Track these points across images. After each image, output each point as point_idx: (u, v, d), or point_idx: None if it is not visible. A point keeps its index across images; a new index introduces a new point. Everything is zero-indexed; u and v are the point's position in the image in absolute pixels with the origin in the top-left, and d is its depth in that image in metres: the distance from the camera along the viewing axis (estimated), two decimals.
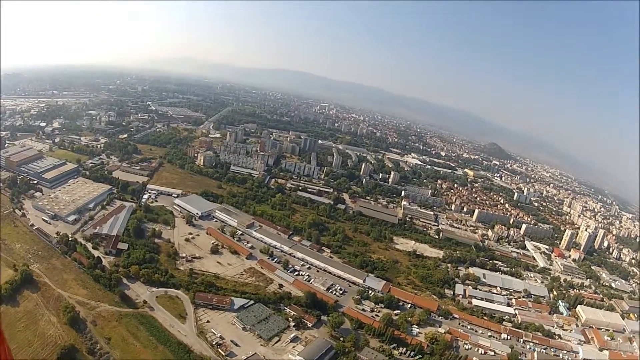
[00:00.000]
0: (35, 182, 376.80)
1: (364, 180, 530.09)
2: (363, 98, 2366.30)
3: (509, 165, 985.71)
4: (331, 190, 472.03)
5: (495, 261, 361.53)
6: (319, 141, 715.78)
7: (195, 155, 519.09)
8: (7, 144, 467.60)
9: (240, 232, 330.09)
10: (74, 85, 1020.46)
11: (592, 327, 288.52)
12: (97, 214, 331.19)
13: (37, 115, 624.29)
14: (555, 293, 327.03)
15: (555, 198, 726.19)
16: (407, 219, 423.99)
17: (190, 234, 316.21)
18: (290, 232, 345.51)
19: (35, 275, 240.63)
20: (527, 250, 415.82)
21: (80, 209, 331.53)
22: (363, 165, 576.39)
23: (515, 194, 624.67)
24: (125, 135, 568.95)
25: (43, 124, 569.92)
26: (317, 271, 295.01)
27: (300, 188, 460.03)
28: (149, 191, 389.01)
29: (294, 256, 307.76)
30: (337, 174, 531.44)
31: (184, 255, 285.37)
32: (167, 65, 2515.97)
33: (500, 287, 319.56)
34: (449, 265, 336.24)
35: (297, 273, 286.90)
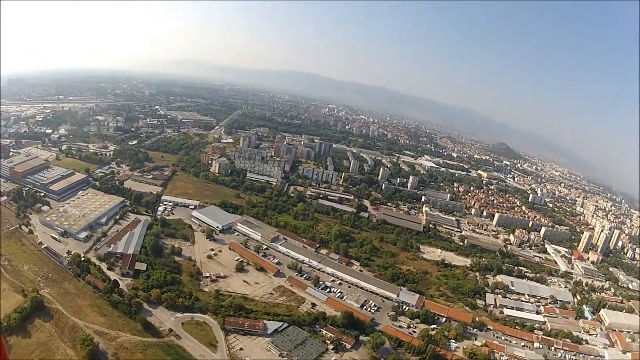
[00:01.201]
0: (42, 194, 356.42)
1: (383, 185, 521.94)
2: (370, 98, 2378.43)
3: (519, 165, 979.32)
4: (352, 197, 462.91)
5: (520, 267, 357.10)
6: (333, 145, 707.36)
7: (210, 162, 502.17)
8: (11, 153, 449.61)
9: (264, 247, 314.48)
10: (79, 90, 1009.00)
11: (615, 330, 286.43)
12: (110, 229, 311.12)
13: (42, 121, 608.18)
14: (578, 297, 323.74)
15: (568, 198, 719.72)
16: (431, 226, 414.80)
17: (212, 249, 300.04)
18: (317, 245, 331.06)
19: (46, 302, 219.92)
20: (548, 254, 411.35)
21: (92, 224, 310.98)
22: (381, 170, 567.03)
23: (530, 195, 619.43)
24: (135, 142, 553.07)
25: (49, 131, 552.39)
26: (349, 287, 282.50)
27: (320, 196, 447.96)
28: (164, 203, 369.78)
29: (324, 271, 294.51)
30: (356, 179, 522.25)
31: (207, 274, 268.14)
32: (172, 67, 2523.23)
33: (528, 295, 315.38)
34: (477, 274, 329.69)
35: (328, 290, 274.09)
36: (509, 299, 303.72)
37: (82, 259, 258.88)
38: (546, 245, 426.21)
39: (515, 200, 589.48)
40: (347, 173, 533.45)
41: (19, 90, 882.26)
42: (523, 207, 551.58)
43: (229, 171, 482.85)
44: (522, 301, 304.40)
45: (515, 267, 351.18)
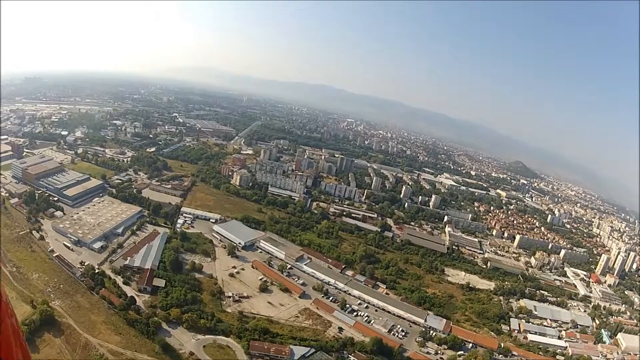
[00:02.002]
0: (55, 199, 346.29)
1: (406, 204, 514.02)
2: (386, 112, 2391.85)
3: (535, 185, 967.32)
4: (375, 215, 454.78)
5: (542, 291, 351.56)
6: (354, 160, 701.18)
7: (230, 173, 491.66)
8: (25, 153, 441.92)
9: (289, 266, 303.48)
10: (96, 93, 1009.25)
11: (630, 354, 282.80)
12: (127, 240, 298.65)
13: (58, 122, 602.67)
14: (597, 322, 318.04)
15: (584, 219, 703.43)
16: (454, 247, 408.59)
17: (234, 267, 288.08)
18: (343, 266, 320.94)
19: (57, 315, 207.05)
20: (568, 277, 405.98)
21: (107, 234, 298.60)
22: (403, 188, 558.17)
23: (549, 216, 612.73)
24: (153, 149, 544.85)
25: (64, 133, 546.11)
26: (376, 310, 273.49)
27: (344, 213, 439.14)
28: (184, 215, 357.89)
29: (350, 294, 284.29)
30: (378, 196, 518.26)
31: (230, 294, 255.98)
32: (188, 74, 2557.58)
33: (550, 319, 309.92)
34: (501, 298, 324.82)
35: (355, 314, 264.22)
36: (532, 323, 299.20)
37: (97, 271, 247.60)
38: (566, 268, 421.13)
39: (535, 221, 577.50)
40: (369, 190, 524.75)
41: (35, 89, 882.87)
42: (542, 229, 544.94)
43: (250, 184, 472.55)
44: (545, 326, 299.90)
45: (538, 291, 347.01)
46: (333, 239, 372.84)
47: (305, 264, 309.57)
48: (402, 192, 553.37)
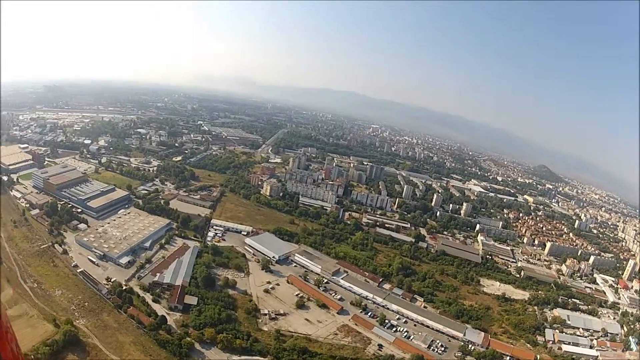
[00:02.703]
0: (79, 210, 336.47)
1: (438, 213, 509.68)
2: (409, 117, 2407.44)
3: (561, 189, 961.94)
4: (408, 225, 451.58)
5: (574, 299, 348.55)
6: (384, 168, 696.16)
7: (260, 183, 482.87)
8: (46, 162, 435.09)
9: (325, 280, 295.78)
10: (119, 101, 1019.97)
11: None
12: (155, 255, 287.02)
13: (81, 131, 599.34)
14: (625, 329, 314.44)
15: (609, 223, 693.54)
16: (488, 257, 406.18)
17: (269, 282, 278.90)
18: (381, 279, 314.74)
19: (82, 335, 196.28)
20: (597, 284, 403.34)
21: (135, 248, 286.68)
22: (434, 196, 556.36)
23: (576, 221, 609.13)
24: (180, 158, 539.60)
25: (88, 141, 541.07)
26: (415, 325, 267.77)
27: (377, 224, 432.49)
28: (215, 227, 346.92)
29: (388, 308, 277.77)
30: (410, 205, 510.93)
31: (266, 311, 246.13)
32: (211, 83, 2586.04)
33: (582, 329, 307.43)
34: (535, 308, 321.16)
35: (395, 329, 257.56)
36: (566, 333, 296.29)
37: (124, 288, 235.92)
38: (595, 275, 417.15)
39: (563, 226, 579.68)
40: (400, 199, 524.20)
41: (56, 97, 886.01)
42: (571, 235, 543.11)
43: (281, 194, 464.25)
44: (578, 335, 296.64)
45: (570, 300, 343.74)
46: (368, 250, 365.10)
47: (342, 278, 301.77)
48: (434, 200, 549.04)
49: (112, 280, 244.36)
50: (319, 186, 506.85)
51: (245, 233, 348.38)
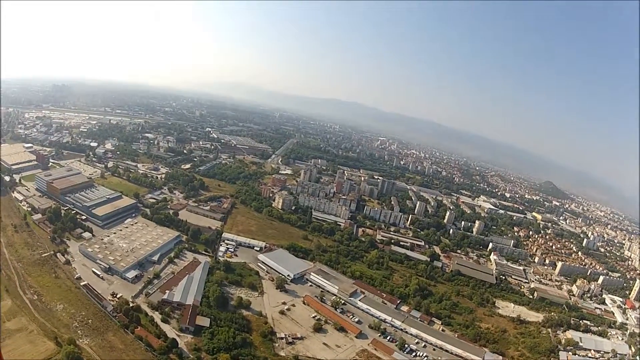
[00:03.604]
0: (83, 217, 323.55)
1: (451, 230, 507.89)
2: (416, 131, 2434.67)
3: (567, 206, 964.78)
4: (422, 243, 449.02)
5: (584, 321, 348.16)
6: (395, 183, 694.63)
7: (271, 195, 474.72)
8: (50, 163, 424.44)
9: (342, 301, 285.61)
10: (127, 104, 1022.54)
11: None
12: (164, 269, 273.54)
13: (87, 133, 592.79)
14: (633, 349, 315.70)
15: (616, 241, 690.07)
16: (502, 277, 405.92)
17: (284, 303, 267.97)
18: (399, 301, 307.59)
19: (85, 355, 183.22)
20: (606, 304, 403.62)
21: (142, 261, 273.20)
22: (447, 213, 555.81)
23: (584, 240, 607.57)
24: (189, 166, 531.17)
25: (94, 144, 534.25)
26: (434, 349, 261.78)
27: (392, 241, 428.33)
28: (226, 241, 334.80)
29: (407, 332, 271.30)
30: (423, 222, 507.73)
31: (282, 335, 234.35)
32: (219, 89, 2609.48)
33: (594, 350, 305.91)
34: (549, 330, 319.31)
35: (414, 354, 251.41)
36: (579, 355, 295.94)
37: (131, 306, 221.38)
38: (604, 295, 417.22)
39: (572, 245, 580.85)
40: (413, 215, 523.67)
41: (63, 97, 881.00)
42: (579, 253, 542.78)
43: (293, 207, 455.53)
44: (590, 357, 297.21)
45: (581, 321, 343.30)
46: (384, 269, 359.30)
47: (359, 300, 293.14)
48: (446, 217, 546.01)
49: (118, 296, 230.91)
50: (332, 200, 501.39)
51: (257, 249, 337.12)
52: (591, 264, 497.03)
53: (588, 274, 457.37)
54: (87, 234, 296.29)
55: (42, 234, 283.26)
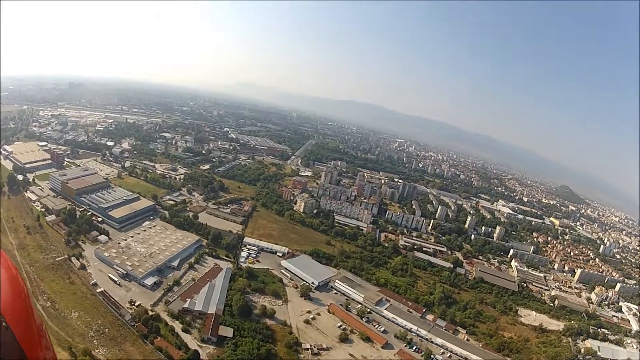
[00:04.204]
0: (99, 219, 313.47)
1: (472, 236, 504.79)
2: (431, 133, 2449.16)
3: (583, 211, 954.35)
4: (445, 249, 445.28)
5: (602, 329, 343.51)
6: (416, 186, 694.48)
7: (292, 198, 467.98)
8: (65, 163, 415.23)
9: (368, 310, 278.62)
10: (144, 103, 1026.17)
11: None
12: (184, 276, 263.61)
13: (103, 131, 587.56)
14: None
15: (630, 247, 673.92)
16: (523, 284, 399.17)
17: (309, 312, 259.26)
18: (424, 310, 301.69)
19: None
20: (623, 312, 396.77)
21: (161, 267, 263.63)
22: (468, 218, 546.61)
23: (601, 246, 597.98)
24: (207, 167, 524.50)
25: (110, 143, 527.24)
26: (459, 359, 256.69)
27: (415, 247, 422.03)
28: (247, 246, 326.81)
29: (433, 342, 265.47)
30: (445, 227, 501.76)
31: (308, 345, 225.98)
32: (235, 89, 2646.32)
33: (610, 359, 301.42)
34: (569, 339, 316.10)
35: None
36: None
37: (150, 314, 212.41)
38: (621, 303, 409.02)
39: (589, 251, 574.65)
40: (434, 220, 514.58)
41: (79, 94, 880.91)
42: (597, 260, 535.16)
43: (315, 211, 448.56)
44: None
45: (599, 330, 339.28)
46: (408, 276, 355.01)
47: (385, 308, 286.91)
48: (467, 222, 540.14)
49: (136, 304, 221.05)
50: (353, 204, 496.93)
51: (280, 254, 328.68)
52: (608, 270, 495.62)
53: (605, 281, 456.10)
54: (103, 237, 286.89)
55: (56, 237, 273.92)
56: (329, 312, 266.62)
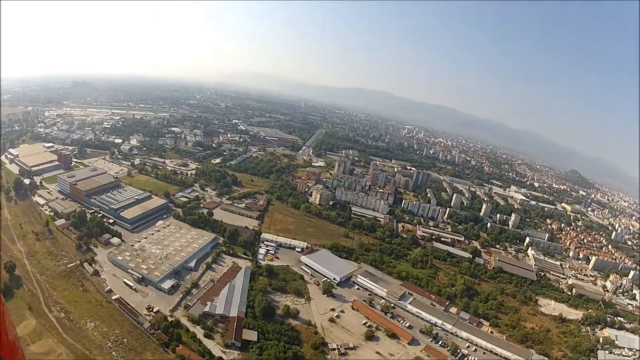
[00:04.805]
0: (110, 221, 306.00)
1: (489, 224, 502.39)
2: (441, 119, 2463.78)
3: (593, 196, 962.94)
4: (462, 238, 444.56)
5: (619, 318, 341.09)
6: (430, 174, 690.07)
7: (307, 189, 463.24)
8: (73, 163, 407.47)
9: (392, 305, 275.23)
10: (150, 98, 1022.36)
11: None
12: (202, 277, 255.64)
13: (110, 129, 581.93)
14: None
15: None
16: (541, 273, 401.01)
17: (333, 309, 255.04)
18: (447, 303, 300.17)
19: None
20: (637, 300, 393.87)
21: (178, 269, 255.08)
22: (483, 206, 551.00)
23: (613, 232, 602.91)
24: (219, 160, 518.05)
25: (118, 141, 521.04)
26: (484, 353, 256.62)
27: (433, 237, 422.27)
28: (265, 242, 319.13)
29: (458, 335, 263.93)
30: (460, 216, 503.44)
31: (334, 345, 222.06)
32: (241, 79, 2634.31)
33: (627, 348, 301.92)
34: (588, 328, 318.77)
35: (466, 359, 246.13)
36: (614, 354, 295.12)
37: (170, 321, 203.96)
38: (635, 291, 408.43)
39: (601, 238, 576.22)
40: (450, 208, 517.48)
41: (85, 93, 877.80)
42: (609, 247, 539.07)
43: (331, 202, 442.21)
44: (624, 356, 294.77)
45: (616, 318, 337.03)
46: (428, 268, 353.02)
47: (409, 303, 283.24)
48: (482, 210, 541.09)
49: (154, 310, 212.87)
50: (368, 194, 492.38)
51: (299, 250, 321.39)
52: (621, 258, 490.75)
53: (619, 268, 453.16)
54: (115, 240, 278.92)
55: (66, 242, 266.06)
56: (352, 308, 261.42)
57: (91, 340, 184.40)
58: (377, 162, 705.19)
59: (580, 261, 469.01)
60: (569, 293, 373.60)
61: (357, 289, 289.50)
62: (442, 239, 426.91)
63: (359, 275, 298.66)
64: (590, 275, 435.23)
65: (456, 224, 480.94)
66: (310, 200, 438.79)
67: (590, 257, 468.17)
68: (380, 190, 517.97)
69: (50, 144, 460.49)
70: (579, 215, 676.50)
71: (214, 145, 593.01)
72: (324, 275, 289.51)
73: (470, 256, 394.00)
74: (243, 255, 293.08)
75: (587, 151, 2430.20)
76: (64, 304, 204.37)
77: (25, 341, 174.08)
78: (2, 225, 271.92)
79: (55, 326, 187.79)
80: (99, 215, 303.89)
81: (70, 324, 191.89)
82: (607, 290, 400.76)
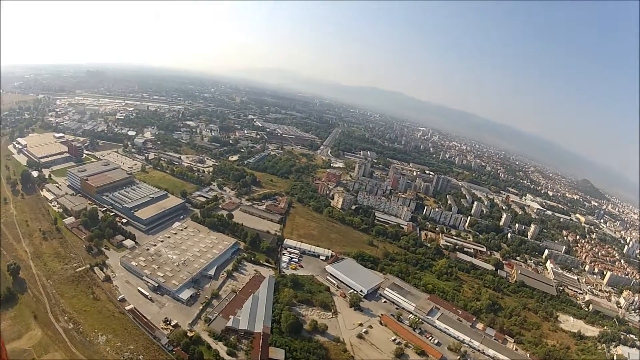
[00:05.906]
0: (124, 221, 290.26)
1: (509, 235, 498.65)
2: (454, 122, 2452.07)
3: (605, 207, 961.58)
4: (484, 249, 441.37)
5: (631, 335, 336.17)
6: (450, 180, 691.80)
7: (328, 192, 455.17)
8: (84, 155, 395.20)
9: (420, 320, 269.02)
10: (164, 90, 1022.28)
11: None
12: (223, 286, 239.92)
13: (124, 120, 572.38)
14: None
15: None
16: (560, 288, 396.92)
17: (361, 324, 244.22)
18: (474, 319, 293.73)
19: None
20: None
21: (197, 277, 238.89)
22: (503, 215, 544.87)
23: (625, 246, 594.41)
24: (236, 158, 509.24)
25: (132, 133, 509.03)
26: None
27: (457, 247, 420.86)
28: (289, 249, 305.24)
29: (485, 353, 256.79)
30: (482, 225, 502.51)
31: None
32: (256, 74, 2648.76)
33: None
34: (604, 345, 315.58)
35: None
36: None
37: (190, 336, 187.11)
38: None
39: (614, 252, 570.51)
40: (471, 217, 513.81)
41: (98, 82, 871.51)
42: (622, 261, 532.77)
43: (353, 207, 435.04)
44: None
45: (629, 336, 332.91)
46: (453, 280, 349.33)
47: (437, 318, 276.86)
48: (502, 220, 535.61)
49: (172, 323, 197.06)
50: (390, 199, 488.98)
51: (323, 258, 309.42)
52: (633, 273, 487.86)
53: (631, 284, 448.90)
54: (129, 242, 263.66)
55: (75, 242, 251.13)
56: (380, 323, 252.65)
57: (103, 356, 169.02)
58: (396, 165, 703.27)
59: (595, 276, 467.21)
60: (587, 309, 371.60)
61: (384, 302, 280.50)
62: (465, 249, 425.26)
63: (386, 288, 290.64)
64: (605, 291, 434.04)
65: (477, 233, 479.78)
66: (332, 204, 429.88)
67: (604, 272, 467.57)
68: (403, 196, 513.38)
69: (61, 134, 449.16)
70: (592, 227, 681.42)
71: (230, 141, 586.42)
72: (350, 287, 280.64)
73: (493, 268, 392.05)
74: (265, 263, 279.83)
75: (598, 159, 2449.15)
76: (72, 313, 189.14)
77: (30, 354, 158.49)
78: (7, 222, 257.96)
79: (63, 339, 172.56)
80: (111, 214, 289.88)
81: (79, 336, 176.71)
82: (621, 307, 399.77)
